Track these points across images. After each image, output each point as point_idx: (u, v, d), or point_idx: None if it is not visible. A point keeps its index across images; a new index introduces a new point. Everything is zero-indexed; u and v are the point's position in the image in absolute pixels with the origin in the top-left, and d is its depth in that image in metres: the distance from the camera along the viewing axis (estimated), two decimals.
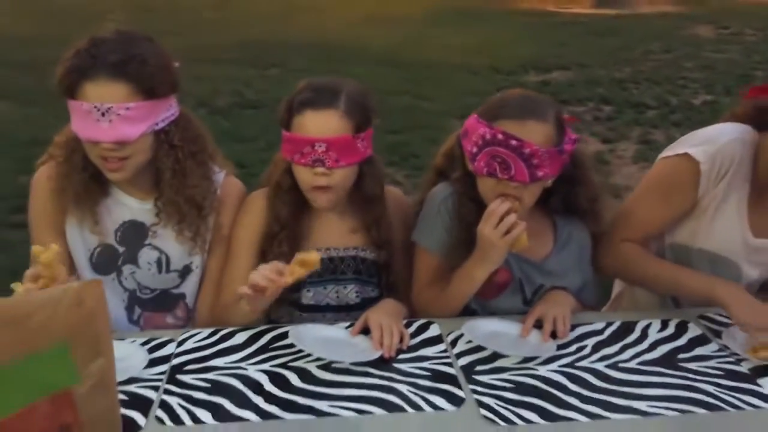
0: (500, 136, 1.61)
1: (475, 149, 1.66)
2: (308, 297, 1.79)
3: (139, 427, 1.33)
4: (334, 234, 1.81)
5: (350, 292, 1.81)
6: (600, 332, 1.68)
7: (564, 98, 7.67)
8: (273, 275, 1.52)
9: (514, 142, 1.59)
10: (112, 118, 1.59)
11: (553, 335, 1.63)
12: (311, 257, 1.54)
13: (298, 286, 1.77)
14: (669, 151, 1.83)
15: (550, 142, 1.63)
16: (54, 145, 1.75)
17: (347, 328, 1.68)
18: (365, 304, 1.78)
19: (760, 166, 1.76)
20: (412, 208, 1.91)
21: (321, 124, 1.67)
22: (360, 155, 1.72)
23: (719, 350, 1.59)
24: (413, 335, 1.66)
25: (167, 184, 1.73)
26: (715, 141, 1.76)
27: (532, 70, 9.09)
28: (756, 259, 1.84)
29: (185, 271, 1.83)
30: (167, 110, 1.70)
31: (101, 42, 1.64)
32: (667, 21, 12.86)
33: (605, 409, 1.38)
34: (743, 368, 1.52)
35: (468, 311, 1.80)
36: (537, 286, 1.80)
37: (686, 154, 1.76)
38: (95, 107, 1.58)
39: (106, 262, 1.78)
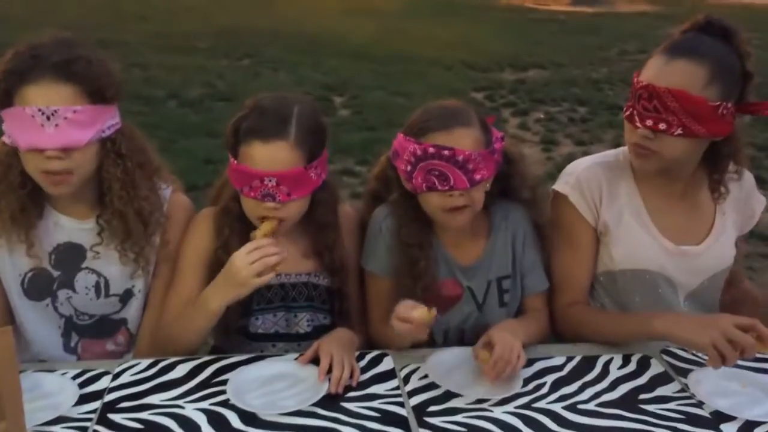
0: (432, 150, 1.59)
1: (408, 167, 1.63)
2: (256, 325, 1.71)
3: None
4: (286, 259, 1.72)
5: (301, 321, 1.73)
6: (560, 368, 1.61)
7: (539, 97, 7.66)
8: (272, 249, 1.51)
9: (446, 152, 1.58)
10: (58, 122, 1.49)
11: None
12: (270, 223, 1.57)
13: (246, 313, 1.69)
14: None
15: (480, 144, 1.62)
16: None
17: (296, 359, 1.59)
18: (317, 332, 1.70)
19: (637, 175, 1.81)
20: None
21: (270, 157, 1.56)
22: (313, 185, 1.63)
23: (681, 390, 1.53)
24: (365, 369, 1.58)
25: (116, 196, 1.63)
26: (573, 172, 1.83)
27: (507, 68, 9.05)
28: (687, 266, 1.80)
29: (126, 296, 1.73)
30: (113, 117, 1.61)
31: (41, 45, 1.54)
32: (645, 20, 12.89)
33: None
34: (704, 412, 1.46)
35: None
36: (486, 286, 1.77)
37: (555, 192, 1.84)
38: (40, 111, 1.48)
39: (39, 287, 1.67)
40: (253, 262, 1.49)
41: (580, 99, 7.62)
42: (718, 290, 1.90)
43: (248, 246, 1.52)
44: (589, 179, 1.80)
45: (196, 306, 1.60)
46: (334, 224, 1.73)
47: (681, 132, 1.60)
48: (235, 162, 1.60)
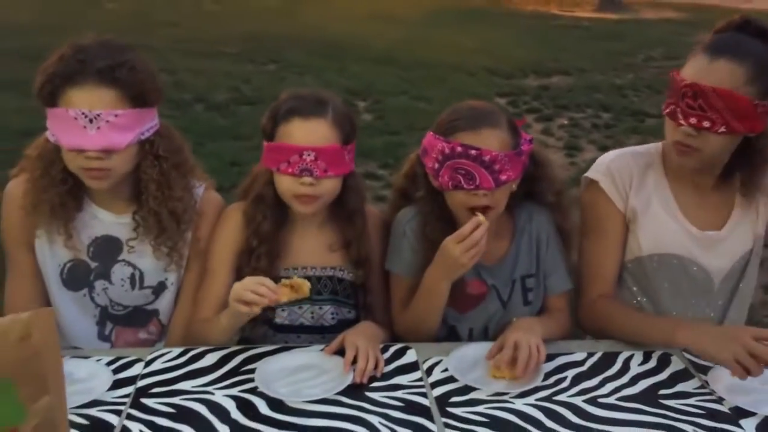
0: (459, 149, 1.62)
1: (436, 165, 1.66)
2: (282, 316, 1.75)
3: None
4: (312, 252, 1.77)
5: (326, 314, 1.77)
6: (580, 363, 1.63)
7: (563, 103, 7.64)
8: (265, 291, 1.48)
9: (473, 152, 1.61)
10: (100, 125, 1.55)
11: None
12: (303, 285, 1.53)
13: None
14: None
15: (507, 146, 1.65)
16: (26, 158, 1.69)
17: (321, 350, 1.64)
18: (341, 325, 1.74)
19: (666, 165, 1.86)
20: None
21: (310, 132, 1.64)
22: (347, 167, 1.70)
23: (701, 387, 1.55)
24: (389, 361, 1.61)
25: (151, 196, 1.69)
26: (603, 161, 1.89)
27: (531, 74, 9.03)
28: (714, 250, 1.83)
29: (159, 288, 1.78)
30: (152, 120, 1.67)
31: (86, 48, 1.60)
32: (670, 27, 12.79)
33: None
34: (724, 407, 1.47)
35: (447, 326, 1.79)
36: (510, 285, 1.80)
37: (586, 179, 1.90)
38: (83, 113, 1.54)
39: (77, 277, 1.73)
40: (246, 291, 1.50)
41: (604, 105, 7.59)
42: (750, 276, 1.90)
43: (257, 279, 1.53)
44: (620, 167, 1.84)
45: (215, 318, 1.65)
46: (361, 214, 1.77)
47: (724, 130, 1.64)
48: (272, 143, 1.67)
